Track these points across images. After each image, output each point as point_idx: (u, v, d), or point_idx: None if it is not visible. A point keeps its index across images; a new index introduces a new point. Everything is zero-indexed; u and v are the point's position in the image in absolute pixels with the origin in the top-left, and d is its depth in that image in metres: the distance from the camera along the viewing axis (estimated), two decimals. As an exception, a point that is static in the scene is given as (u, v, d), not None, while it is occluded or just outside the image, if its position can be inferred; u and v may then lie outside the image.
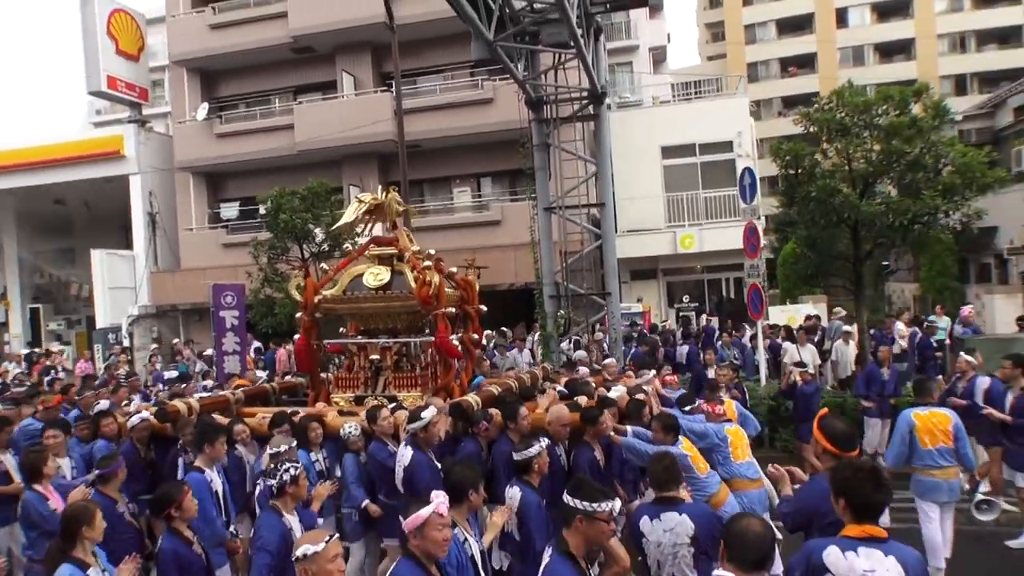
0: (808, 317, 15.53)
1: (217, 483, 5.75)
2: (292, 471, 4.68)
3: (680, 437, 5.90)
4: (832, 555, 3.19)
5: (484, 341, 15.09)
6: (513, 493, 4.95)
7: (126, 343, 21.41)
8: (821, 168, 13.34)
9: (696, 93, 24.86)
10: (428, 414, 5.75)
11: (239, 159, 22.30)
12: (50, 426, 6.97)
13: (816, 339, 14.00)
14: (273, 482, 4.64)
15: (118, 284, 22.46)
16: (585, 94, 13.34)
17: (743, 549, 2.99)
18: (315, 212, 15.58)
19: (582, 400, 6.90)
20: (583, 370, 9.99)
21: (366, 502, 6.23)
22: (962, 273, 18.95)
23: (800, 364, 10.82)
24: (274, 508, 4.62)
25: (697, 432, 6.29)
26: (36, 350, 22.51)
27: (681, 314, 21.30)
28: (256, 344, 17.72)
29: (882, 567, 3.08)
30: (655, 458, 4.72)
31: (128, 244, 23.41)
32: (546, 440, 5.27)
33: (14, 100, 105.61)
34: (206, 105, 22.60)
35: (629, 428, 6.34)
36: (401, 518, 3.49)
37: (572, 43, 10.98)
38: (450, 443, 6.32)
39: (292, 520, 4.63)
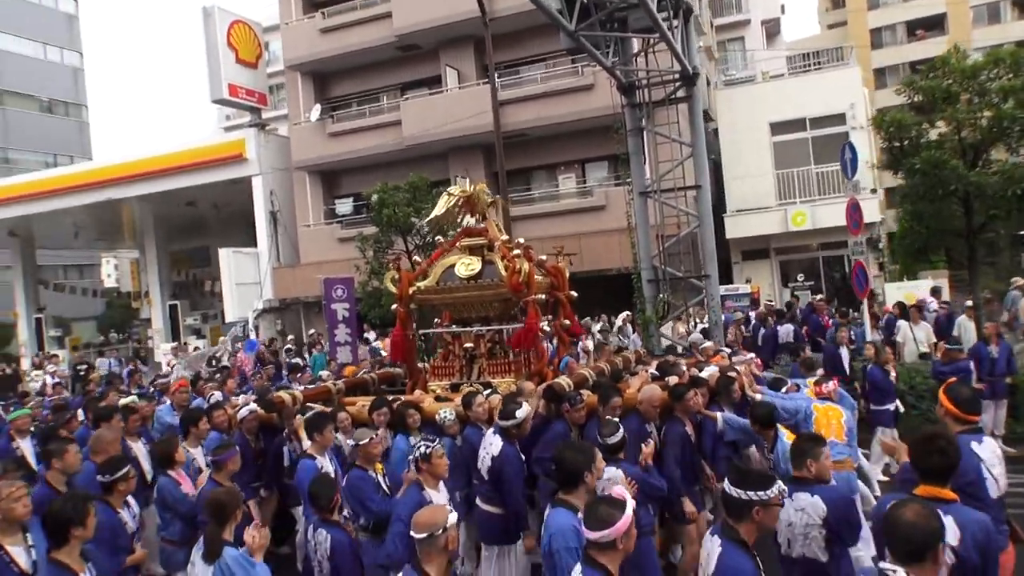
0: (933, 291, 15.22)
1: (328, 468, 6.04)
2: (424, 448, 4.99)
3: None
4: None
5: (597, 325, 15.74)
6: (612, 473, 5.09)
7: (252, 336, 23.40)
8: (927, 139, 13.11)
9: (815, 64, 24.34)
10: (522, 414, 5.91)
11: (351, 156, 23.64)
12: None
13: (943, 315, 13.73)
14: (411, 457, 5.05)
15: (244, 280, 24.48)
16: (677, 76, 13.60)
17: (893, 539, 3.00)
18: (417, 205, 16.55)
19: (672, 380, 7.02)
20: (708, 344, 10.36)
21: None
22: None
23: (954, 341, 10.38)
24: (416, 482, 4.99)
25: (789, 409, 6.49)
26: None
27: (794, 293, 21.11)
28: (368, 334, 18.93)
29: None
30: (799, 436, 5.04)
31: (253, 242, 25.20)
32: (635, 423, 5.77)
33: (157, 110, 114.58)
34: (319, 106, 24.08)
35: (720, 415, 6.58)
36: (584, 525, 3.44)
37: (656, 27, 11.35)
38: (541, 424, 6.49)
39: (433, 494, 4.92)
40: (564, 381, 7.00)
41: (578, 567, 3.39)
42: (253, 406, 7.56)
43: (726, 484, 3.64)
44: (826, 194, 20.37)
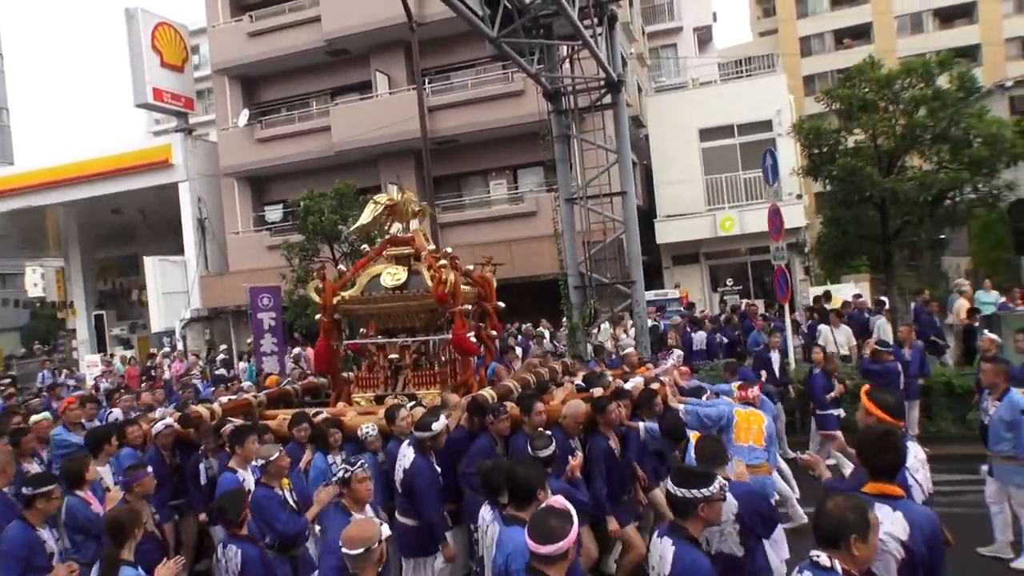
0: (848, 300, 15.42)
1: (250, 482, 5.80)
2: (343, 472, 4.77)
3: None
4: None
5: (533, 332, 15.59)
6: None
7: (180, 346, 22.61)
8: (845, 146, 13.30)
9: (746, 72, 24.66)
10: (438, 426, 5.83)
11: (280, 162, 23.05)
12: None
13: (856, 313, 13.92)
14: (336, 478, 4.81)
15: (171, 289, 23.54)
16: (602, 83, 13.53)
17: (815, 525, 3.17)
18: (343, 213, 16.18)
19: (597, 392, 6.94)
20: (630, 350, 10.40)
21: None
22: (1018, 246, 18.33)
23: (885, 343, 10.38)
24: (341, 507, 4.79)
25: (712, 416, 6.46)
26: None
27: (724, 298, 21.30)
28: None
29: (888, 521, 3.37)
30: (703, 437, 5.11)
31: (182, 250, 24.41)
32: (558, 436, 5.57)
33: (85, 114, 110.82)
34: (246, 111, 23.42)
35: (642, 425, 6.54)
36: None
37: (578, 35, 11.23)
38: (465, 438, 6.40)
39: (359, 519, 4.65)
40: (487, 393, 6.89)
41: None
42: (169, 420, 7.22)
43: (669, 484, 3.68)
44: (754, 199, 20.57)
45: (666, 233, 21.64)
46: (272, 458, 5.55)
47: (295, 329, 17.78)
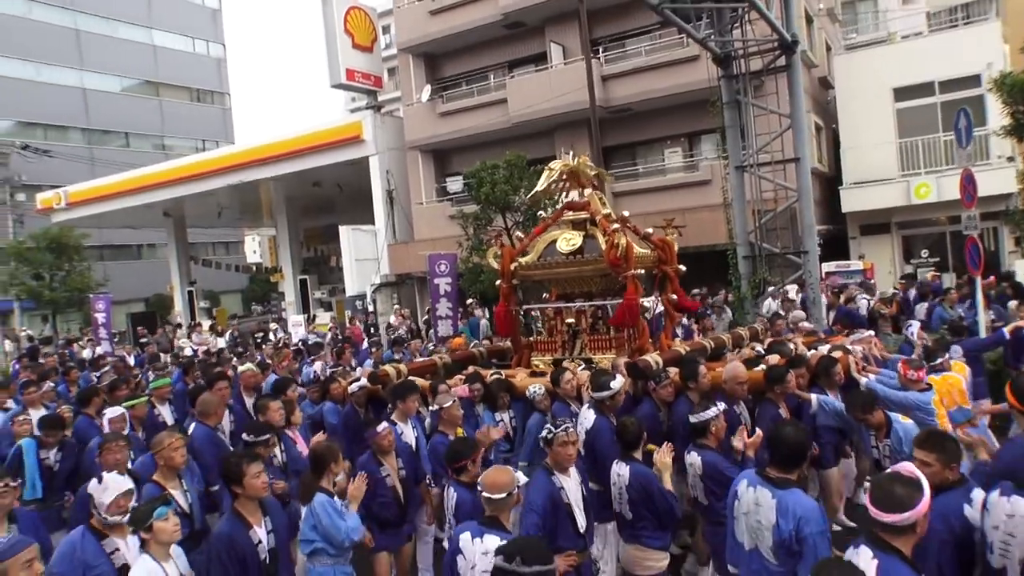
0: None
1: (409, 435, 6.22)
2: (546, 433, 4.58)
3: (932, 392, 5.77)
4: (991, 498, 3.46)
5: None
6: (692, 459, 4.94)
7: (371, 309, 24.39)
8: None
9: (964, 19, 22.29)
10: (616, 385, 5.77)
11: (460, 135, 23.55)
12: (284, 383, 7.93)
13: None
14: (543, 435, 4.62)
15: (363, 256, 25.05)
16: (776, 45, 12.90)
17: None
18: (515, 183, 16.60)
19: (773, 359, 6.75)
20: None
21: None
22: None
23: None
24: (545, 467, 4.59)
25: (893, 400, 5.79)
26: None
27: (917, 270, 19.67)
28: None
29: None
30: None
31: (373, 220, 25.72)
32: (722, 404, 5.18)
33: (292, 94, 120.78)
34: (428, 87, 24.04)
35: (814, 396, 6.12)
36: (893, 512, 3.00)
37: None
38: (629, 403, 6.32)
39: (563, 479, 4.52)
40: (651, 358, 6.74)
41: (866, 550, 3.03)
42: (363, 381, 7.72)
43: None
44: (955, 164, 18.73)
45: (853, 201, 20.09)
46: (446, 405, 6.14)
47: (468, 294, 18.55)
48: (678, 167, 21.54)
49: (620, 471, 4.90)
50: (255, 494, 4.28)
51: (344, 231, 25.24)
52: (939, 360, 6.70)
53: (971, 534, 3.55)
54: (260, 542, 4.19)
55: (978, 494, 3.62)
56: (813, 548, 3.61)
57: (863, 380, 6.34)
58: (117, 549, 4.10)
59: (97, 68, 46.99)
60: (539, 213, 15.95)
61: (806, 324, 10.59)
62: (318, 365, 11.47)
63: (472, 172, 17.47)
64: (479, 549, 3.77)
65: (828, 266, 18.25)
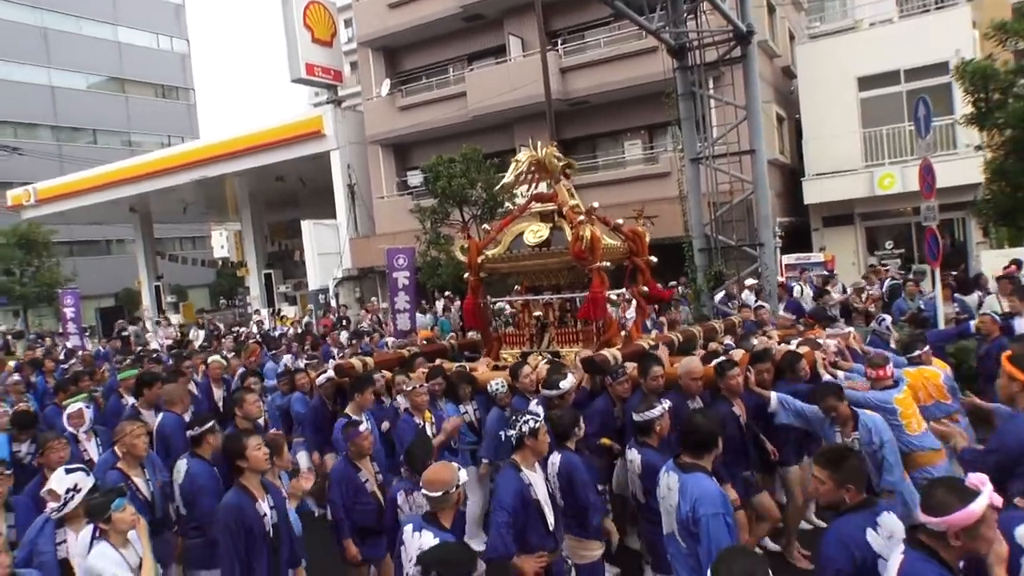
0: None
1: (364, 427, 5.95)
2: (531, 423, 4.39)
3: (901, 387, 5.44)
4: None
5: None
6: (632, 456, 4.86)
7: (333, 303, 23.73)
8: (1020, 90, 11.41)
9: (935, 4, 21.71)
10: (566, 384, 5.68)
11: (420, 129, 22.95)
12: (248, 374, 8.49)
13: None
14: (512, 434, 4.43)
15: (325, 250, 24.61)
16: (731, 36, 12.39)
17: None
18: (471, 177, 16.10)
19: (738, 354, 6.47)
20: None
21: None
22: None
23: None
24: (512, 464, 4.42)
25: (853, 401, 5.38)
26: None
27: (882, 262, 19.27)
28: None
29: None
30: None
31: (335, 214, 25.27)
32: (668, 403, 5.01)
33: (255, 89, 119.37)
34: (388, 81, 23.47)
35: (773, 394, 5.73)
36: (926, 514, 2.82)
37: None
38: (585, 398, 6.22)
39: (531, 475, 4.38)
40: (609, 353, 6.45)
41: (900, 544, 2.95)
42: (330, 373, 7.71)
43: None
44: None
45: (815, 192, 19.65)
46: (409, 389, 6.40)
47: (427, 288, 18.10)
48: (638, 159, 21.07)
49: (553, 460, 4.76)
50: (258, 466, 4.40)
51: (306, 225, 24.70)
52: (917, 352, 6.27)
53: (875, 565, 3.14)
54: (265, 515, 4.32)
55: (887, 519, 3.25)
56: (706, 529, 3.60)
57: (827, 377, 6.07)
58: (64, 541, 4.18)
59: (64, 66, 45.98)
60: (506, 206, 15.78)
61: (786, 316, 10.18)
62: (288, 357, 11.57)
63: (429, 166, 16.96)
64: (415, 543, 3.73)
65: (788, 258, 17.82)
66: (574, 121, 21.28)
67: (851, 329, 7.95)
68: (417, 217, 17.39)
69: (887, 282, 13.62)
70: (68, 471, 4.29)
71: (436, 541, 3.63)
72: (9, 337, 26.17)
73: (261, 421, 6.70)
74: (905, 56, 18.62)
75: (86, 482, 4.24)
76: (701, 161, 12.85)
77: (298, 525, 4.79)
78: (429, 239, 16.80)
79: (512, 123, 21.74)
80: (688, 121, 12.88)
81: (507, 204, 15.96)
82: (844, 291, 13.51)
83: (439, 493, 3.80)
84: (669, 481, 3.99)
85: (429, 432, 6.07)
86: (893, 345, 7.75)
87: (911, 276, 13.58)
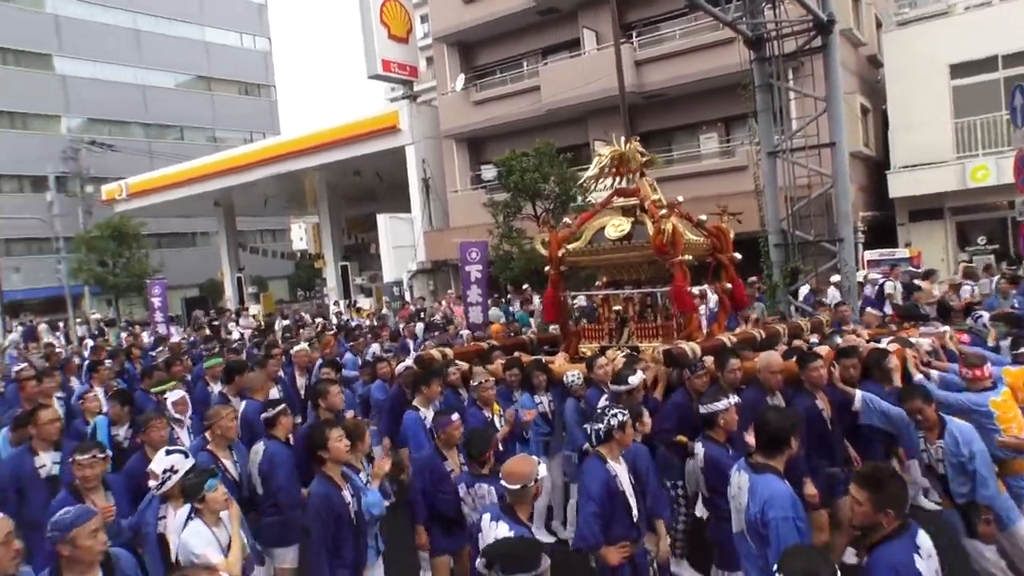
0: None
1: (430, 420, 6.12)
2: (620, 416, 4.44)
3: (1000, 389, 5.09)
4: None
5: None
6: (697, 449, 4.86)
7: (407, 295, 24.26)
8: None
9: None
10: (635, 380, 5.66)
11: (494, 123, 23.22)
12: (326, 365, 8.62)
13: None
14: (600, 427, 4.44)
15: (400, 243, 25.14)
16: (811, 26, 12.12)
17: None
18: (543, 171, 16.21)
19: (822, 350, 6.22)
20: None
21: (586, 444, 6.48)
22: None
23: None
24: (598, 455, 4.45)
25: (947, 404, 5.10)
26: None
27: (972, 258, 18.48)
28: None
29: None
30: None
31: (410, 207, 25.75)
32: (735, 397, 5.00)
33: (336, 85, 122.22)
34: (462, 76, 23.76)
35: (858, 392, 5.50)
36: None
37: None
38: (666, 392, 6.21)
39: (616, 467, 4.43)
40: (688, 347, 6.38)
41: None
42: (409, 362, 7.92)
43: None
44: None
45: (902, 185, 18.94)
46: (475, 384, 6.51)
47: (500, 281, 18.32)
48: (714, 153, 20.77)
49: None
50: (339, 457, 4.58)
51: (382, 219, 25.32)
52: (1022, 350, 5.91)
53: None
54: (349, 502, 4.51)
55: (923, 540, 3.20)
56: (776, 532, 3.55)
57: (918, 377, 5.73)
58: (164, 516, 4.41)
59: (154, 65, 48.12)
60: (578, 200, 15.85)
61: (874, 313, 9.89)
62: (375, 347, 11.87)
63: (502, 160, 17.12)
64: (492, 533, 3.75)
65: (871, 254, 17.32)
66: (649, 114, 21.14)
67: (947, 328, 7.57)
68: (490, 211, 17.60)
69: (994, 279, 13.03)
70: (168, 452, 4.53)
71: (511, 533, 3.62)
72: (103, 324, 27.62)
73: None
74: (1004, 41, 17.76)
75: (184, 464, 4.41)
76: (778, 154, 12.63)
77: (381, 506, 4.86)
78: (501, 233, 16.99)
79: (586, 117, 21.73)
80: (765, 113, 12.64)
81: (579, 199, 16.01)
82: (918, 288, 13.09)
83: (518, 486, 3.78)
84: (740, 480, 3.97)
85: (497, 426, 6.17)
86: (991, 343, 7.35)
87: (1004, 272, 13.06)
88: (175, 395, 6.77)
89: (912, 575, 3.08)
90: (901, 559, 3.10)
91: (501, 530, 3.70)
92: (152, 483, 4.43)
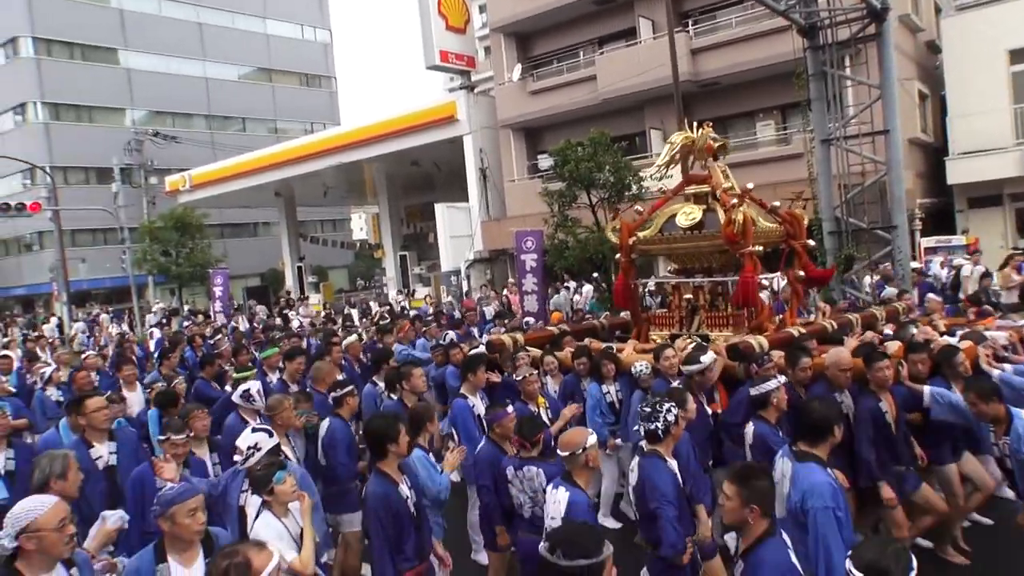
0: None
1: (480, 408, 6.34)
2: (673, 411, 4.37)
3: None
4: None
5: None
6: (748, 429, 4.92)
7: (464, 285, 24.96)
8: None
9: None
10: (707, 359, 5.72)
11: (550, 112, 23.68)
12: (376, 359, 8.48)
13: None
14: (658, 425, 4.34)
15: (458, 233, 25.67)
16: (864, 14, 12.40)
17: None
18: (598, 160, 16.60)
19: (893, 345, 6.18)
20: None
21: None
22: None
23: None
24: (658, 454, 4.36)
25: (1016, 386, 5.17)
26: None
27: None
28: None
29: None
30: None
31: (468, 197, 26.30)
32: (783, 377, 5.14)
33: (395, 75, 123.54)
34: (519, 66, 24.29)
35: (926, 388, 5.45)
36: None
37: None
38: (734, 386, 6.19)
39: (673, 464, 4.39)
40: (755, 340, 6.43)
41: None
42: (481, 348, 8.01)
43: None
44: (1077, 130, 17.39)
45: (961, 172, 18.96)
46: (519, 379, 6.46)
47: (554, 270, 18.78)
48: (770, 140, 20.97)
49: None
50: (403, 454, 4.55)
51: (440, 208, 25.96)
52: None
53: None
54: (407, 497, 4.43)
55: (786, 538, 3.35)
56: (815, 522, 3.56)
57: (994, 373, 5.57)
58: (247, 490, 4.55)
59: (217, 58, 49.74)
60: (632, 189, 16.19)
61: (936, 299, 9.88)
62: (451, 334, 11.85)
63: (557, 150, 17.57)
64: (553, 498, 4.06)
65: (927, 241, 17.45)
66: (705, 102, 21.43)
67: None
68: (545, 200, 18.06)
69: None
70: (254, 430, 4.70)
71: (568, 495, 3.93)
72: (168, 313, 28.83)
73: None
74: (1067, 25, 17.66)
75: (267, 442, 4.56)
76: (832, 142, 12.95)
77: (447, 489, 5.01)
78: (556, 222, 17.41)
79: (642, 105, 22.14)
80: (819, 101, 12.98)
81: (634, 187, 16.42)
82: (988, 275, 13.23)
83: (567, 453, 4.06)
84: (784, 467, 4.06)
85: (543, 416, 6.16)
86: None
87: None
88: (253, 385, 6.69)
89: (792, 570, 3.20)
90: (780, 559, 3.19)
91: (560, 495, 3.99)
92: (237, 458, 4.61)
